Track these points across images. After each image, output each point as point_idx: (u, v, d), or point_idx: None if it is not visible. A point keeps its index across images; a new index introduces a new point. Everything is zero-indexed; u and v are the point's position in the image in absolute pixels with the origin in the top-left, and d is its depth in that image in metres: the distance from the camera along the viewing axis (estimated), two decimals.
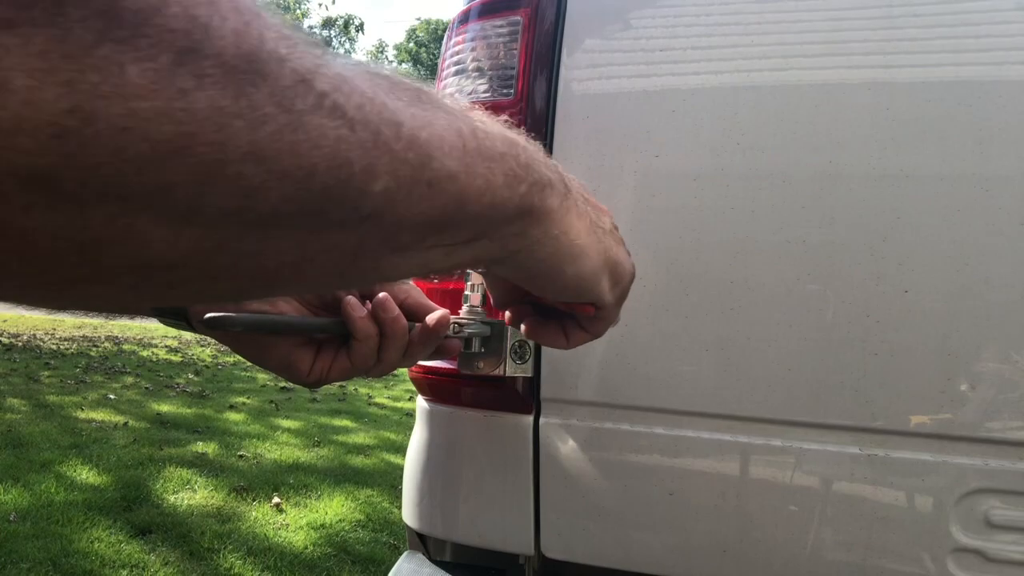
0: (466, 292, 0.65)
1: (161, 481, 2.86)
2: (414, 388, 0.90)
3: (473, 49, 0.83)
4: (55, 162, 0.18)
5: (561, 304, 0.48)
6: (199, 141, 0.20)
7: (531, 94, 0.79)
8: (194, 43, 0.20)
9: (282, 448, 3.54)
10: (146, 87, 0.19)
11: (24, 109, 0.17)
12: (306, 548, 2.37)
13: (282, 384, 5.26)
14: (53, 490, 2.64)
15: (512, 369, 0.71)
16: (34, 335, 6.99)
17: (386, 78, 0.28)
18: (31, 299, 0.25)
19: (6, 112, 0.17)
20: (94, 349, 6.51)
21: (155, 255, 0.22)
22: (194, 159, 0.20)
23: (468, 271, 0.62)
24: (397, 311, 0.53)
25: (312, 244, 0.26)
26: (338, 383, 0.55)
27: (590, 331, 0.50)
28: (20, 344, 6.32)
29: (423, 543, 0.93)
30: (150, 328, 8.38)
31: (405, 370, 0.78)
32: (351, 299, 0.52)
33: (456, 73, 0.84)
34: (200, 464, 3.13)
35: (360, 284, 0.31)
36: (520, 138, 0.36)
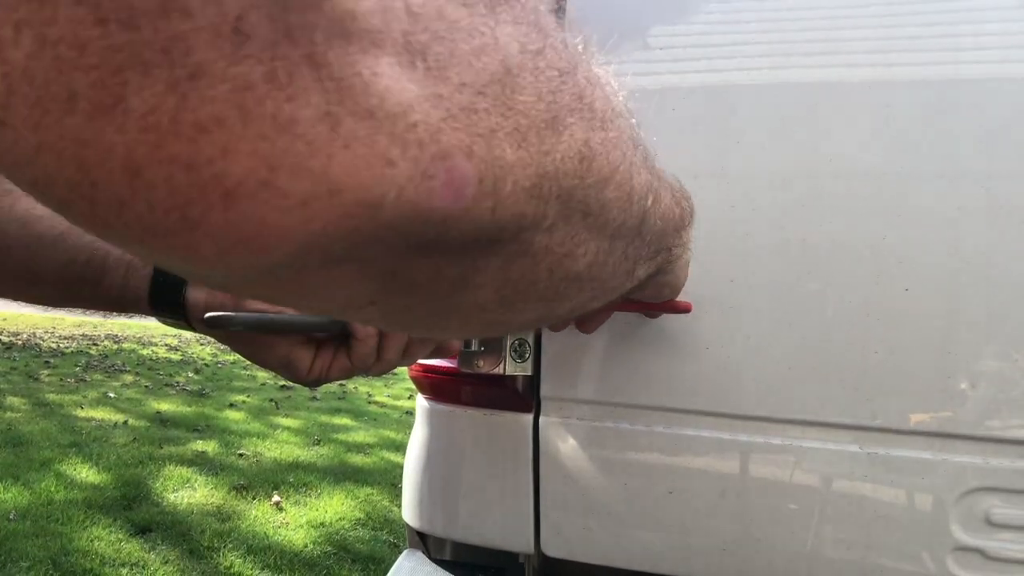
0: None
1: (161, 480, 2.86)
2: (414, 387, 0.90)
3: None
4: (576, 184, 0.22)
5: (652, 306, 0.55)
6: (626, 161, 0.25)
7: None
8: (607, 80, 0.25)
9: (282, 446, 3.55)
10: (606, 115, 0.24)
11: (571, 141, 0.21)
12: (306, 546, 2.37)
13: (282, 383, 5.26)
14: (53, 488, 2.64)
15: (512, 367, 0.71)
16: (34, 333, 6.99)
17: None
18: (492, 327, 0.29)
19: (563, 145, 0.21)
20: (94, 347, 6.51)
21: (579, 267, 0.26)
22: (623, 177, 0.25)
23: None
24: None
25: (621, 254, 0.30)
26: (338, 382, 0.55)
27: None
28: (20, 343, 6.32)
29: (423, 541, 0.93)
30: (150, 327, 8.38)
31: (405, 369, 0.78)
32: None
33: None
34: (200, 463, 3.13)
35: (613, 294, 0.34)
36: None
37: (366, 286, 0.21)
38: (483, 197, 0.18)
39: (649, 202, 0.30)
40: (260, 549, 2.31)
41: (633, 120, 0.28)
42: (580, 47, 0.24)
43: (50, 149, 0.14)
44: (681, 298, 0.74)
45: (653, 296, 0.48)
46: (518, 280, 0.23)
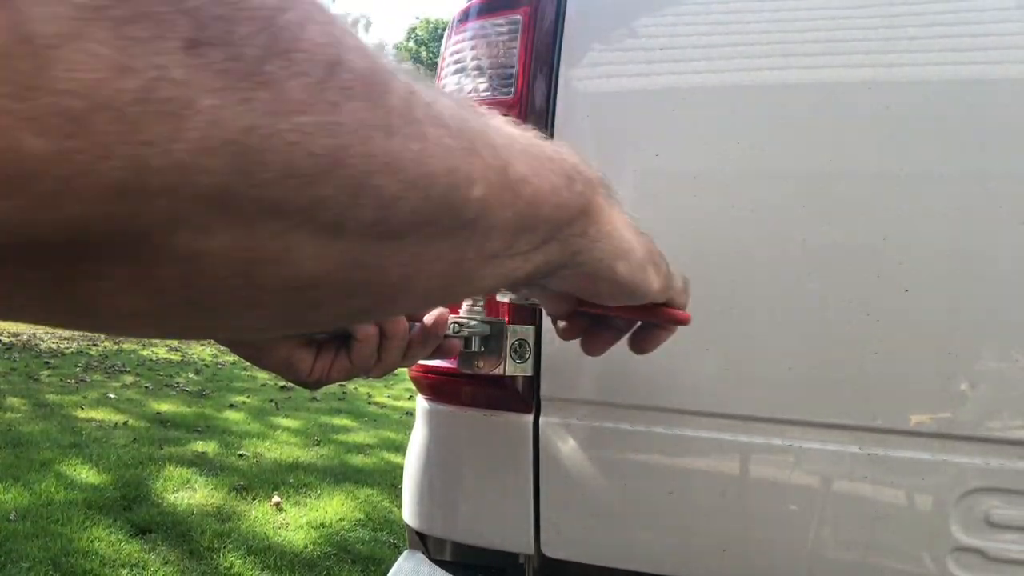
0: None
1: (161, 480, 2.86)
2: (414, 387, 0.90)
3: (473, 48, 0.83)
4: (234, 181, 0.18)
5: (645, 314, 0.49)
6: (350, 153, 0.21)
7: (531, 93, 0.79)
8: (336, 57, 0.20)
9: (282, 447, 3.55)
10: (304, 102, 0.19)
11: (210, 129, 0.17)
12: (306, 547, 2.37)
13: (282, 383, 5.26)
14: (53, 489, 2.63)
15: (512, 368, 0.71)
16: (34, 334, 6.99)
17: (436, 89, 0.29)
18: (192, 330, 0.25)
19: (195, 133, 0.17)
20: (94, 348, 6.51)
21: (304, 273, 0.22)
22: (345, 172, 0.21)
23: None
24: None
25: (423, 255, 0.26)
26: (338, 383, 0.55)
27: (668, 330, 0.51)
28: (20, 343, 6.32)
29: (423, 542, 0.93)
30: None
31: (405, 369, 0.78)
32: None
33: (456, 72, 0.84)
34: (200, 463, 3.13)
35: (454, 299, 0.31)
36: (556, 143, 0.36)
37: None
38: None
39: (476, 191, 0.26)
40: (260, 550, 2.31)
41: (423, 95, 0.24)
42: None
43: None
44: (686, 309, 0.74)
45: (590, 295, 0.42)
46: (182, 288, 0.20)
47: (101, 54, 0.15)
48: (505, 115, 0.35)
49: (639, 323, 0.51)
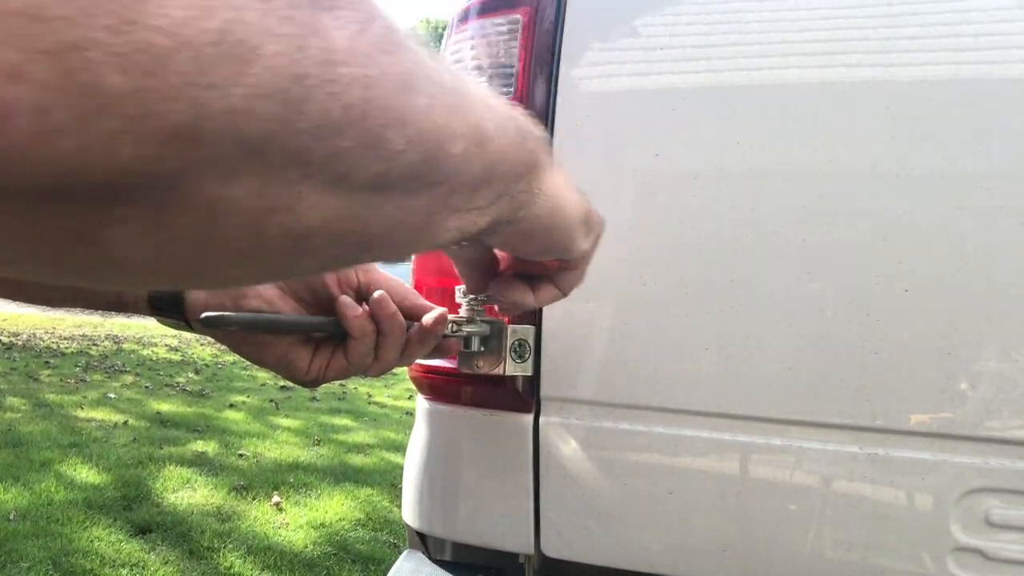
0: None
1: (161, 480, 2.86)
2: (414, 387, 0.90)
3: (473, 47, 0.83)
4: (274, 129, 0.18)
5: (537, 267, 0.48)
6: (374, 106, 0.21)
7: (531, 93, 0.79)
8: (369, 13, 0.21)
9: (282, 447, 3.55)
10: (348, 52, 0.19)
11: (267, 75, 0.17)
12: (306, 547, 2.37)
13: (282, 383, 5.26)
14: (53, 489, 2.64)
15: (512, 368, 0.71)
16: (34, 334, 6.99)
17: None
18: (182, 279, 0.25)
19: (253, 79, 0.17)
20: (94, 348, 6.51)
21: (304, 223, 0.22)
22: (366, 124, 0.21)
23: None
24: (394, 308, 0.53)
25: (404, 208, 0.26)
26: (338, 382, 0.55)
27: (562, 288, 0.50)
28: (20, 343, 6.32)
29: (423, 542, 0.93)
30: (150, 327, 8.38)
31: (405, 369, 0.78)
32: (345, 298, 0.52)
33: None
34: (200, 463, 3.13)
35: (416, 250, 0.31)
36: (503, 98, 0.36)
37: None
38: (54, 133, 0.15)
39: (456, 147, 0.26)
40: (260, 550, 2.31)
41: (424, 54, 0.24)
42: None
43: None
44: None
45: (521, 251, 0.43)
46: (193, 236, 0.20)
47: None
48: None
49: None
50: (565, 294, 0.51)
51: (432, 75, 0.24)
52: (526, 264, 0.49)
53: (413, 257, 0.86)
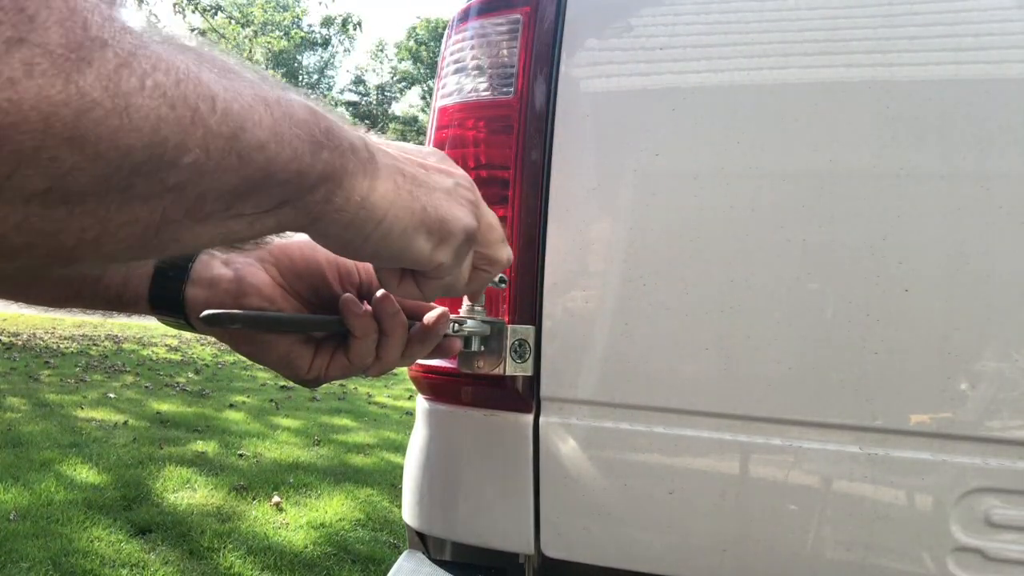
0: None
1: (161, 480, 2.86)
2: (414, 387, 0.90)
3: (473, 47, 0.83)
4: None
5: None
6: (20, 130, 0.20)
7: (531, 92, 0.79)
8: (21, 33, 0.20)
9: (282, 447, 3.54)
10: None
11: None
12: (306, 547, 2.37)
13: (282, 383, 5.26)
14: (53, 489, 2.64)
15: (512, 368, 0.71)
16: (34, 334, 6.99)
17: (192, 51, 0.28)
18: None
19: None
20: (94, 348, 6.51)
21: None
22: (11, 146, 0.20)
23: None
24: (397, 308, 0.53)
25: (115, 219, 0.26)
26: (338, 382, 0.55)
27: (425, 293, 0.48)
28: (20, 343, 6.32)
29: (423, 542, 0.93)
30: (150, 327, 8.38)
31: (405, 369, 0.78)
32: (349, 296, 0.52)
33: (456, 71, 0.84)
34: (200, 463, 3.13)
35: (160, 254, 0.31)
36: (319, 105, 0.36)
37: None
38: None
39: (186, 158, 0.25)
40: (260, 550, 2.31)
41: (163, 50, 0.24)
42: None
43: None
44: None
45: (349, 254, 0.41)
46: None
47: None
48: (501, 113, 0.34)
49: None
50: (427, 299, 0.49)
51: (145, 90, 0.24)
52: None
53: None
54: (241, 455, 3.33)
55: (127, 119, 0.23)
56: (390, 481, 3.10)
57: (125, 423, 3.74)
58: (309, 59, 33.79)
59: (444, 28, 0.97)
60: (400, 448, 3.68)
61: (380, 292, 0.53)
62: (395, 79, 34.55)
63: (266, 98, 0.31)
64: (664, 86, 0.76)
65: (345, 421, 4.35)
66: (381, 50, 35.45)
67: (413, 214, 0.41)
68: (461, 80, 0.83)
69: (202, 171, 0.27)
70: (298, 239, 0.55)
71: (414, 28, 34.25)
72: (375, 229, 0.39)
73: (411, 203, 0.41)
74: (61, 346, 6.41)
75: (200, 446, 3.41)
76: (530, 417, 0.79)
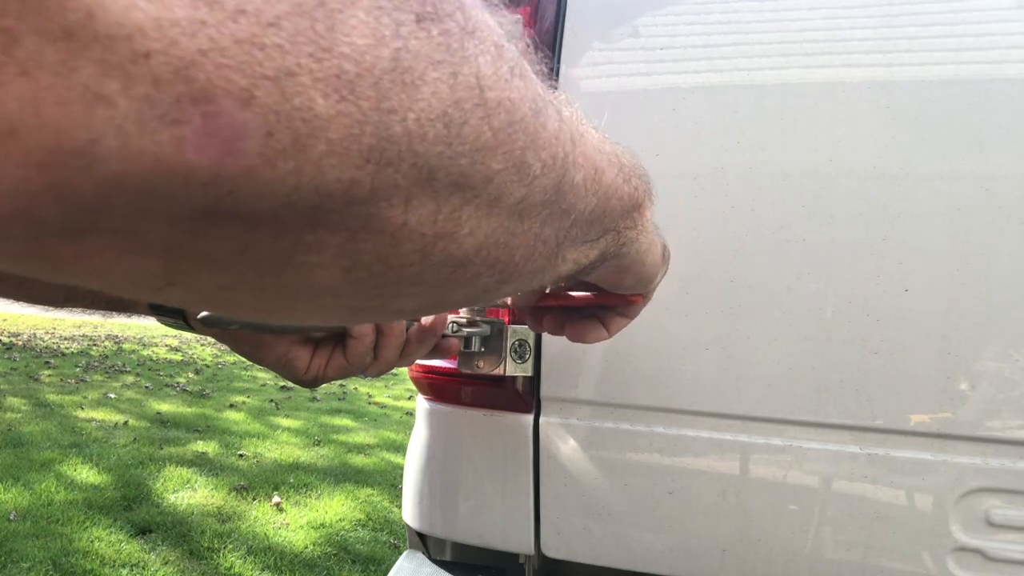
0: None
1: (161, 480, 2.86)
2: (414, 387, 0.90)
3: None
4: (440, 152, 0.19)
5: (601, 299, 0.49)
6: (517, 129, 0.21)
7: None
8: (499, 39, 0.21)
9: (282, 447, 3.55)
10: (490, 77, 0.20)
11: (432, 100, 0.18)
12: (306, 547, 2.37)
13: (282, 383, 5.26)
14: (53, 489, 2.64)
15: (512, 368, 0.71)
16: (34, 334, 7.00)
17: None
18: (362, 311, 0.25)
19: (423, 103, 0.18)
20: (94, 348, 6.52)
21: (462, 250, 0.22)
22: (510, 147, 0.21)
23: None
24: None
25: (538, 236, 0.26)
26: (338, 382, 0.55)
27: (630, 316, 0.51)
28: (20, 343, 6.32)
29: (423, 542, 0.93)
30: (150, 327, 8.38)
31: (405, 369, 0.78)
32: None
33: None
34: (200, 463, 3.13)
35: (546, 282, 0.31)
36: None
37: (146, 262, 0.17)
38: (276, 156, 0.15)
39: (578, 176, 0.27)
40: (260, 550, 2.31)
41: (542, 83, 0.25)
42: None
43: None
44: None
45: (613, 285, 0.43)
46: (375, 262, 0.20)
47: (366, 21, 0.16)
48: None
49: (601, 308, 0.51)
50: (632, 320, 0.52)
51: (552, 101, 0.25)
52: (596, 297, 0.49)
53: None
54: (241, 455, 3.33)
55: (556, 124, 0.24)
56: (390, 481, 3.10)
57: (125, 423, 3.74)
58: None
59: None
60: (400, 448, 3.68)
61: None
62: None
63: (584, 123, 0.31)
64: (664, 86, 0.76)
65: (345, 421, 4.35)
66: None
67: (660, 242, 0.43)
68: None
69: (582, 191, 0.28)
70: None
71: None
72: (650, 255, 0.41)
73: (657, 233, 0.43)
74: (61, 346, 6.41)
75: (200, 446, 3.41)
76: (530, 417, 0.79)
